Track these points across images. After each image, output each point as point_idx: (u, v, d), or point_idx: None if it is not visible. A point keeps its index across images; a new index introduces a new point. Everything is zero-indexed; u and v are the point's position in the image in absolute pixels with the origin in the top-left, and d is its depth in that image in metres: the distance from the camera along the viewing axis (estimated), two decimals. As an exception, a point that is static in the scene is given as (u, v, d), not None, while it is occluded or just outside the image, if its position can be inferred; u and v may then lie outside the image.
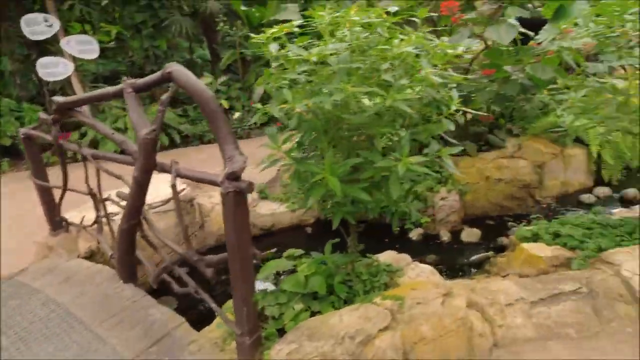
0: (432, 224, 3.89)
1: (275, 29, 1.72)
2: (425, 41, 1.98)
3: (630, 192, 4.20)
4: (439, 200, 3.84)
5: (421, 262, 3.40)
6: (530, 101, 4.22)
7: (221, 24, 7.43)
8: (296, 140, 2.03)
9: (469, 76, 4.31)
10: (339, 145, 1.95)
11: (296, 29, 1.84)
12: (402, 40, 1.70)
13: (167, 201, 2.92)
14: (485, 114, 4.59)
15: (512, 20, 3.84)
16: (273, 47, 1.75)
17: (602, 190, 4.44)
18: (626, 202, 4.16)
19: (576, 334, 2.21)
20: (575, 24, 3.24)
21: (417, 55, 1.93)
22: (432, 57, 1.96)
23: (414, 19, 2.16)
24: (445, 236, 3.78)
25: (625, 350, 2.10)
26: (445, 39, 2.07)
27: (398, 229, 3.79)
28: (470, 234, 3.75)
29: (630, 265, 2.40)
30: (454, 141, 1.95)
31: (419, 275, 2.51)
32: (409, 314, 2.00)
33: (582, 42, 2.76)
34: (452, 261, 3.47)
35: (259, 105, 1.76)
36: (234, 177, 1.54)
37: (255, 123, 6.86)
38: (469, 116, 4.77)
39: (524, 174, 4.17)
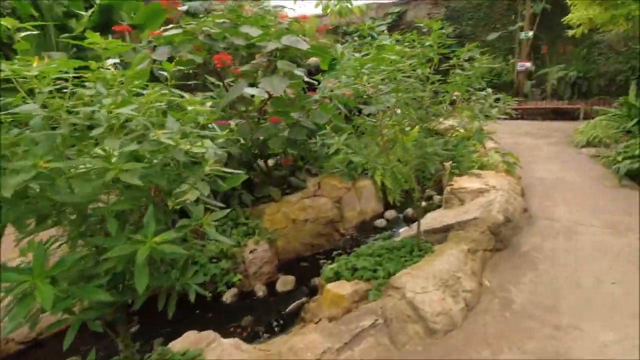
0: (246, 280, 3.64)
1: None
2: (174, 97, 1.77)
3: (409, 211, 4.96)
4: (249, 254, 3.64)
5: (236, 327, 3.12)
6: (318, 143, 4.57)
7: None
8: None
9: (262, 124, 4.43)
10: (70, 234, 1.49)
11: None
12: (118, 97, 1.42)
13: None
14: (285, 157, 4.75)
15: (298, 71, 4.13)
16: None
17: (390, 213, 5.11)
18: (408, 221, 4.87)
19: (380, 369, 2.25)
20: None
21: (164, 113, 1.70)
22: (183, 114, 1.76)
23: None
24: (260, 291, 3.58)
25: (419, 370, 2.24)
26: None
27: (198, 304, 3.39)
28: (285, 282, 3.66)
29: (411, 285, 2.65)
30: (219, 204, 1.74)
31: (220, 356, 2.17)
32: (199, 421, 1.63)
33: (342, 91, 3.07)
34: (269, 317, 3.27)
35: None
36: None
37: None
38: (270, 162, 4.86)
39: (325, 210, 4.41)
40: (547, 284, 2.92)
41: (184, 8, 6.78)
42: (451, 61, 2.68)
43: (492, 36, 12.00)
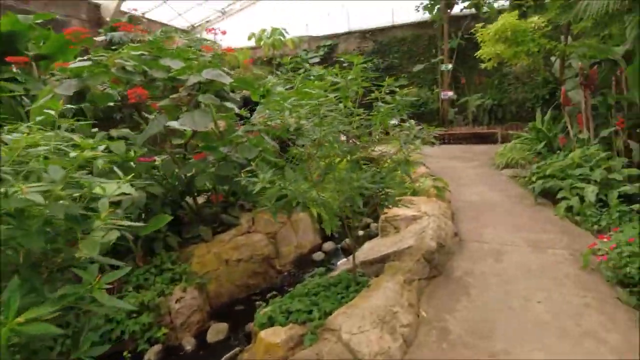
0: (172, 333, 3.27)
1: None
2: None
3: (347, 242, 4.90)
4: (175, 304, 3.30)
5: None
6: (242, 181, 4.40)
7: None
8: None
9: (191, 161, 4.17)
10: None
11: None
12: None
13: None
14: (215, 194, 4.50)
15: (229, 104, 3.98)
16: None
17: (329, 245, 5.01)
18: (346, 252, 4.80)
19: None
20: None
21: (46, 159, 1.45)
22: (73, 160, 1.52)
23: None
24: (189, 344, 3.22)
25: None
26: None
27: None
28: (217, 331, 3.35)
29: (347, 326, 2.52)
30: (119, 263, 1.50)
31: None
32: None
33: (273, 124, 2.98)
34: (199, 374, 2.94)
35: None
36: None
37: None
38: (201, 199, 4.57)
39: (260, 247, 4.20)
40: (480, 309, 2.96)
41: (102, 38, 6.40)
42: (373, 94, 2.72)
43: (417, 68, 12.88)
